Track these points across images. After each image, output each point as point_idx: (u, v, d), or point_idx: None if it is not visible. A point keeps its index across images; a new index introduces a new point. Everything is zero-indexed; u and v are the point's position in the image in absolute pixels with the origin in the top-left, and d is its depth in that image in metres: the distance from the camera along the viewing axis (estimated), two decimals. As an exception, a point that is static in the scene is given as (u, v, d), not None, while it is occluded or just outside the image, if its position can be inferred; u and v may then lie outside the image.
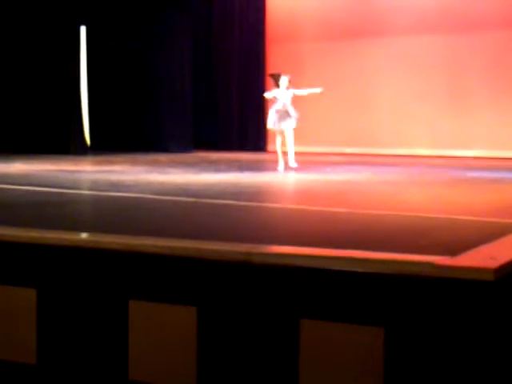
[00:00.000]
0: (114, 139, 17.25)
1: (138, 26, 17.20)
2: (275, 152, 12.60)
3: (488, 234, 5.07)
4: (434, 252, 4.28)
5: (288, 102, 12.34)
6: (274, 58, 18.02)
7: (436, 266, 3.85)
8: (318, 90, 12.82)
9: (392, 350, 3.88)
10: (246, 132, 18.27)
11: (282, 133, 12.35)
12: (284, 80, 12.49)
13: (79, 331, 4.60)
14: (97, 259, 4.57)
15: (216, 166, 12.75)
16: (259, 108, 18.12)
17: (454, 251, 4.24)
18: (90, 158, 15.30)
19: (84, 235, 5.03)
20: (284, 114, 12.24)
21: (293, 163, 12.01)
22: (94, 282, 4.56)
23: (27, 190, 8.53)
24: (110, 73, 17.32)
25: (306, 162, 14.26)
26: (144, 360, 4.42)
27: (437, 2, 16.23)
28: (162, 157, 15.22)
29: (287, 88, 12.46)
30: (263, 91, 18.13)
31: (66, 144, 16.01)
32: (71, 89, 16.52)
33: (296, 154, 16.72)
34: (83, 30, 17.03)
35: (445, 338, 3.79)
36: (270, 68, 18.08)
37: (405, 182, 10.14)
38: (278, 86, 12.50)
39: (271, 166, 14.11)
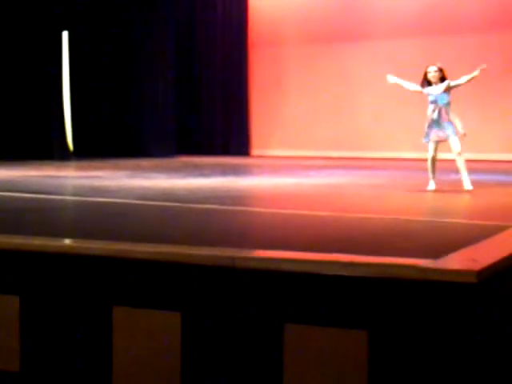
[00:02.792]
0: (97, 145, 17.21)
1: (120, 31, 17.17)
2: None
3: (471, 236, 5.09)
4: (418, 255, 4.29)
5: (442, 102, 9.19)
6: (256, 63, 18.03)
7: (420, 268, 3.86)
8: (476, 73, 9.47)
9: (376, 354, 3.89)
10: (230, 136, 18.27)
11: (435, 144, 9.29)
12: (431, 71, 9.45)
13: (63, 338, 4.59)
14: (80, 265, 4.56)
15: (200, 171, 12.73)
16: (243, 112, 18.14)
17: (437, 254, 4.25)
18: (72, 164, 15.25)
19: (68, 241, 5.01)
20: (433, 122, 9.27)
21: (468, 185, 8.98)
22: (78, 288, 4.54)
23: (11, 196, 8.49)
24: (93, 78, 17.28)
25: (290, 166, 14.27)
26: (128, 366, 4.40)
27: (418, 6, 16.30)
28: (145, 162, 15.20)
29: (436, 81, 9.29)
30: (246, 95, 18.18)
31: (49, 150, 15.95)
32: (53, 94, 16.46)
33: (280, 157, 16.77)
34: (65, 35, 16.99)
35: (429, 341, 3.80)
36: (253, 72, 18.10)
37: (389, 185, 10.16)
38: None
39: (255, 171, 14.11)
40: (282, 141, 17.72)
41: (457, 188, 9.08)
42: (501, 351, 4.17)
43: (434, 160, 9.22)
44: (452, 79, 9.22)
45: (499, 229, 5.39)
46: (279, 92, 17.72)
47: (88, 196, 8.50)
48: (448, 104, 9.15)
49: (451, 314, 3.76)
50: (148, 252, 4.44)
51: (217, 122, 18.34)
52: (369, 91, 16.80)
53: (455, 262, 4.09)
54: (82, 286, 4.53)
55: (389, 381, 3.87)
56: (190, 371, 4.26)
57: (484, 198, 8.50)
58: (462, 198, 8.57)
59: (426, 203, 8.14)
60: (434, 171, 9.16)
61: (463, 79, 9.44)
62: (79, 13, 16.91)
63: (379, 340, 3.87)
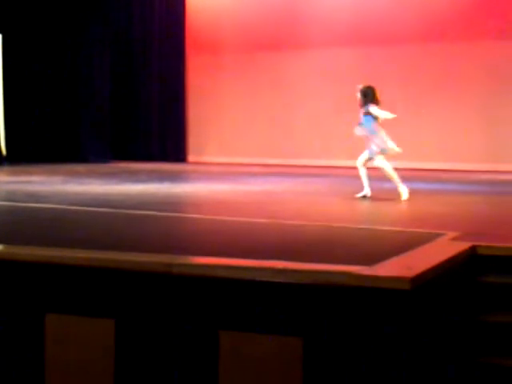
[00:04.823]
0: (32, 149, 16.96)
1: (56, 35, 16.97)
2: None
3: (404, 243, 5.15)
4: (353, 262, 4.32)
5: (365, 123, 9.32)
6: (194, 69, 17.99)
7: (354, 275, 3.89)
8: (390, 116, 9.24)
9: (310, 360, 3.90)
10: (167, 142, 18.19)
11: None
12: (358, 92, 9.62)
13: (-6, 346, 4.50)
14: (12, 271, 4.48)
15: (136, 177, 12.65)
16: (180, 119, 18.07)
17: (371, 261, 4.29)
18: (6, 169, 15.00)
19: (-1, 247, 4.92)
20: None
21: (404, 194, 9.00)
22: (9, 294, 4.46)
23: None
24: (28, 82, 17.03)
25: (227, 172, 14.27)
26: (60, 374, 4.34)
27: (356, 15, 16.46)
28: (81, 167, 15.02)
29: (363, 103, 9.43)
30: (183, 102, 18.13)
31: (-18, 154, 15.69)
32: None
33: (217, 164, 16.75)
34: (-1, 37, 16.75)
35: (363, 347, 3.83)
36: (190, 79, 18.05)
37: (325, 193, 10.23)
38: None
39: (192, 177, 14.07)
40: (219, 147, 17.71)
41: (391, 196, 9.19)
42: (433, 356, 4.23)
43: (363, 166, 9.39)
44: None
45: (433, 236, 5.47)
46: (216, 98, 17.71)
47: (21, 201, 8.37)
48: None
49: (385, 320, 3.79)
50: (82, 258, 4.39)
51: (153, 128, 18.23)
52: (305, 99, 16.90)
53: (389, 268, 4.13)
54: (13, 293, 4.45)
55: (323, 387, 3.89)
56: (123, 379, 4.22)
57: (419, 206, 8.61)
58: (398, 206, 8.67)
59: (360, 210, 8.22)
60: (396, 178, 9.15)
61: (382, 114, 9.35)
62: (14, 15, 16.65)
63: (314, 347, 3.89)
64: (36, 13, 16.89)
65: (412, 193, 9.15)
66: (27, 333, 4.40)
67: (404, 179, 9.15)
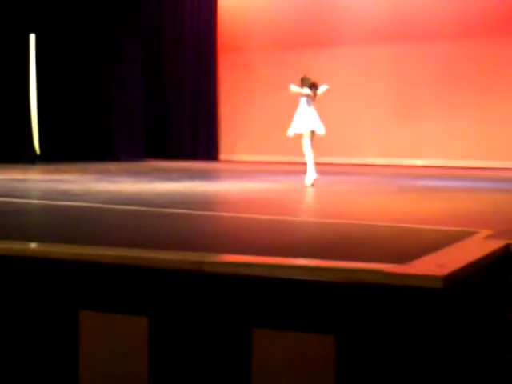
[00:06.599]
0: (64, 148, 17.09)
1: (88, 34, 17.09)
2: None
3: (437, 242, 5.12)
4: (384, 260, 4.31)
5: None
6: (225, 68, 18.04)
7: (386, 273, 3.88)
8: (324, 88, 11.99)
9: (343, 358, 3.90)
10: (198, 141, 18.25)
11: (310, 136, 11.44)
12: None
13: (28, 342, 4.54)
14: (46, 269, 4.52)
15: (167, 175, 12.70)
16: (211, 117, 18.12)
17: (403, 259, 4.27)
18: (39, 167, 15.12)
19: (33, 245, 4.97)
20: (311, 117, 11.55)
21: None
22: (44, 292, 4.50)
23: (-25, 200, 8.39)
24: (60, 81, 17.17)
25: (258, 171, 14.28)
26: (94, 370, 4.37)
27: (385, 13, 16.41)
28: (113, 165, 15.12)
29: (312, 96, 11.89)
30: (215, 100, 18.18)
31: (15, 153, 15.80)
32: (20, 97, 16.32)
33: (247, 162, 16.77)
34: (33, 37, 16.86)
35: (395, 345, 3.82)
36: (222, 77, 18.09)
37: (355, 191, 10.20)
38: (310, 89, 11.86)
39: (223, 175, 14.10)
40: (250, 146, 17.74)
41: (423, 194, 9.15)
42: (465, 355, 4.21)
43: None
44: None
45: (466, 235, 5.44)
46: (247, 97, 17.74)
47: (54, 199, 8.44)
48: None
49: (417, 318, 3.78)
50: (115, 256, 4.42)
51: (185, 127, 18.31)
52: (336, 97, 16.85)
53: (421, 267, 4.11)
54: (48, 290, 4.49)
55: (355, 385, 3.88)
56: (157, 376, 4.24)
57: (451, 204, 8.56)
58: (429, 204, 8.62)
59: (392, 208, 8.18)
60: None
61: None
62: (47, 15, 16.78)
63: (346, 344, 3.88)
64: (68, 12, 17.02)
65: (444, 191, 9.10)
66: (62, 328, 4.44)
67: (436, 177, 9.10)
